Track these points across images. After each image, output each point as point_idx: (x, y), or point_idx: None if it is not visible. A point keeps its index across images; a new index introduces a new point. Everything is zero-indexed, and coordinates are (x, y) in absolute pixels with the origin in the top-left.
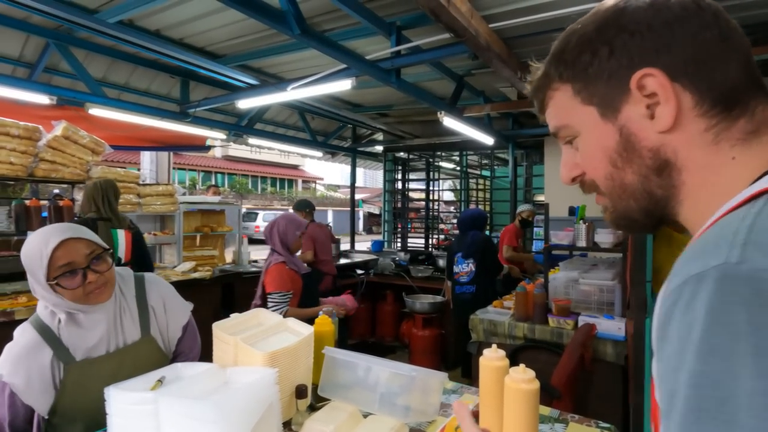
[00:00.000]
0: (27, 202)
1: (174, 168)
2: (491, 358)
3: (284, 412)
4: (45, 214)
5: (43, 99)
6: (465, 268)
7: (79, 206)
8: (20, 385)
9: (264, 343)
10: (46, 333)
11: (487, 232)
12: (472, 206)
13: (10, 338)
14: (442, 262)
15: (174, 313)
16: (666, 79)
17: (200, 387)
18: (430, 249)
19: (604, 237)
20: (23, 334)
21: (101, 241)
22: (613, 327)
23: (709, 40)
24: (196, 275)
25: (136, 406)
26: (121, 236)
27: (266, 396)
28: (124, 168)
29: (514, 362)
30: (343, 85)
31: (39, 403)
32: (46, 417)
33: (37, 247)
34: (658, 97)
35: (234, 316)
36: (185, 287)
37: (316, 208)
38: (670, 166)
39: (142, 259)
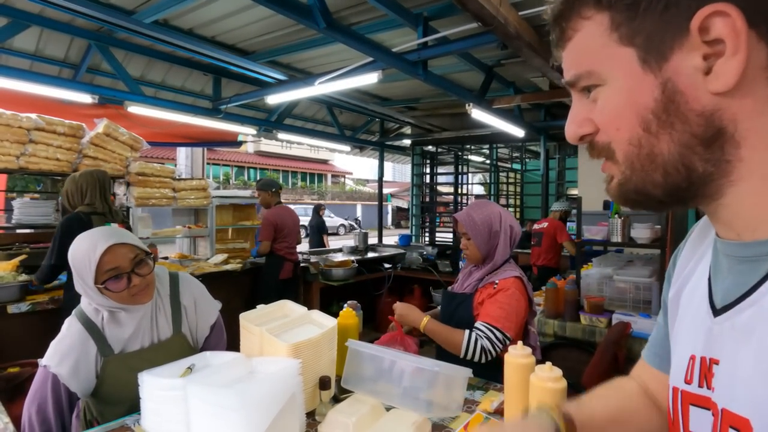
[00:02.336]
0: None
1: (208, 163)
2: (517, 355)
3: (308, 402)
4: None
5: (86, 98)
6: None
7: (63, 196)
8: (66, 375)
9: (289, 335)
10: (91, 328)
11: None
12: (503, 201)
13: (58, 325)
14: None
15: (204, 313)
16: (743, 23)
17: (226, 375)
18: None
19: (641, 232)
20: (70, 328)
21: (143, 245)
22: (649, 326)
23: None
24: (228, 267)
25: (167, 392)
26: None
27: (289, 386)
28: (162, 164)
29: (543, 360)
30: (369, 79)
31: (81, 388)
32: (87, 400)
33: (86, 253)
34: (724, 46)
35: (260, 307)
36: (217, 279)
37: (347, 201)
38: (724, 136)
39: None
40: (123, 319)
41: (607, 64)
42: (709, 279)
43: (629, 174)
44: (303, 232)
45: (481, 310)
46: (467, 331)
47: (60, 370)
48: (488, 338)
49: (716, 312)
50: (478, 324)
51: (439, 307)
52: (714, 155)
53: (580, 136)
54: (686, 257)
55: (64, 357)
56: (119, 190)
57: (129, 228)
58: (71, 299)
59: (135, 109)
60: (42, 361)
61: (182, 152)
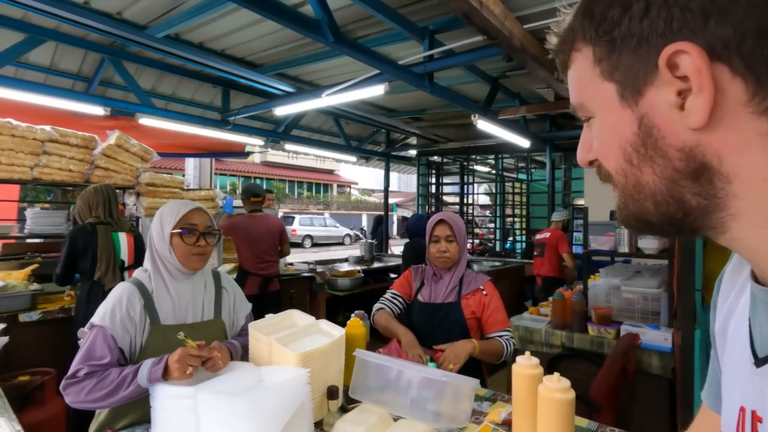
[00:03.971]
0: None
1: (216, 174)
2: (524, 366)
3: (316, 412)
4: None
5: (98, 110)
6: None
7: (76, 212)
8: (114, 326)
9: (297, 344)
10: (141, 287)
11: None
12: (508, 211)
13: (68, 334)
14: (476, 267)
15: (241, 305)
16: (703, 60)
17: (236, 384)
18: None
19: (649, 243)
20: (120, 286)
21: (216, 223)
22: (658, 338)
23: None
24: (235, 276)
25: (177, 400)
26: (123, 239)
27: (298, 395)
28: (170, 174)
29: (551, 371)
30: (376, 91)
31: (127, 347)
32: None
33: (177, 205)
34: (691, 83)
35: (269, 316)
36: None
37: (352, 211)
38: (710, 171)
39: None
40: (172, 290)
41: (593, 97)
42: (750, 320)
43: (625, 201)
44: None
45: (488, 316)
46: (502, 341)
47: (106, 322)
48: (511, 337)
49: (758, 362)
50: (503, 333)
51: (382, 306)
52: (704, 189)
53: (588, 161)
54: (727, 285)
55: (114, 309)
56: (129, 200)
57: (137, 237)
58: (85, 312)
59: (146, 120)
60: (88, 324)
61: (191, 163)
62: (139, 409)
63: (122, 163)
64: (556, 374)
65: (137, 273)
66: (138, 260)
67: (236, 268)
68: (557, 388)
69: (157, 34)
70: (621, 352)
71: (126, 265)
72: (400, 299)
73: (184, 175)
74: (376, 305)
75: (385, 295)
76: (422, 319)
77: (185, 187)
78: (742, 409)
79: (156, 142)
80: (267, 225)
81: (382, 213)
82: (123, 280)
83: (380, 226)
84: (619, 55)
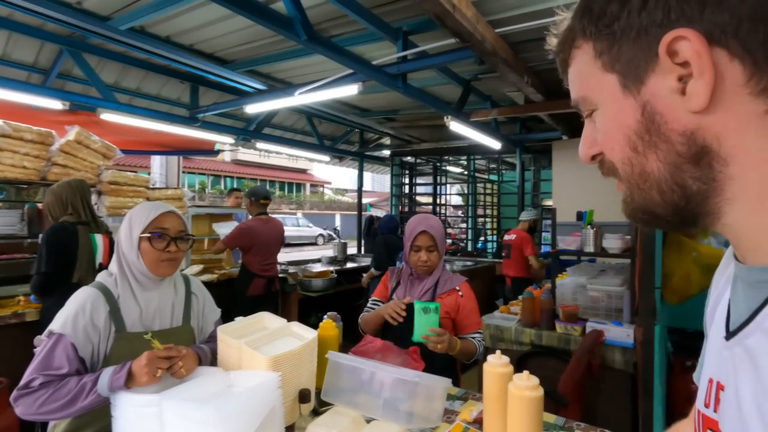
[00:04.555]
0: (39, 205)
1: (183, 172)
2: (495, 365)
3: (287, 416)
4: None
5: (56, 104)
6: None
7: (45, 207)
8: (75, 334)
9: (268, 347)
10: (107, 293)
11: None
12: (480, 211)
13: (23, 341)
14: (449, 267)
15: (210, 311)
16: (702, 45)
17: (203, 390)
18: None
19: (613, 242)
20: (83, 290)
21: (188, 227)
22: (621, 334)
23: None
24: (203, 278)
25: (141, 409)
26: (100, 241)
27: (269, 400)
28: (135, 172)
29: (521, 368)
30: (349, 90)
31: (89, 356)
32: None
33: (148, 207)
34: (691, 68)
35: (238, 319)
36: None
37: (325, 211)
38: (710, 154)
39: None
40: (139, 297)
41: (596, 89)
42: (730, 299)
43: (631, 192)
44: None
45: (463, 318)
46: (475, 342)
47: (68, 330)
48: (482, 339)
49: (728, 335)
50: (476, 334)
51: (365, 313)
52: (704, 173)
53: (591, 156)
54: (719, 274)
55: (76, 316)
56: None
57: (111, 239)
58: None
59: (108, 116)
60: (46, 331)
61: (156, 161)
62: (99, 420)
63: (82, 161)
64: (526, 372)
65: (101, 276)
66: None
67: (204, 269)
68: (526, 386)
69: (121, 26)
70: (586, 349)
71: (102, 267)
72: (380, 303)
73: (149, 174)
74: (361, 315)
75: (367, 304)
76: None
77: (151, 186)
78: (710, 381)
79: (119, 138)
80: (275, 228)
81: (372, 213)
82: None
83: (373, 226)
84: (620, 47)
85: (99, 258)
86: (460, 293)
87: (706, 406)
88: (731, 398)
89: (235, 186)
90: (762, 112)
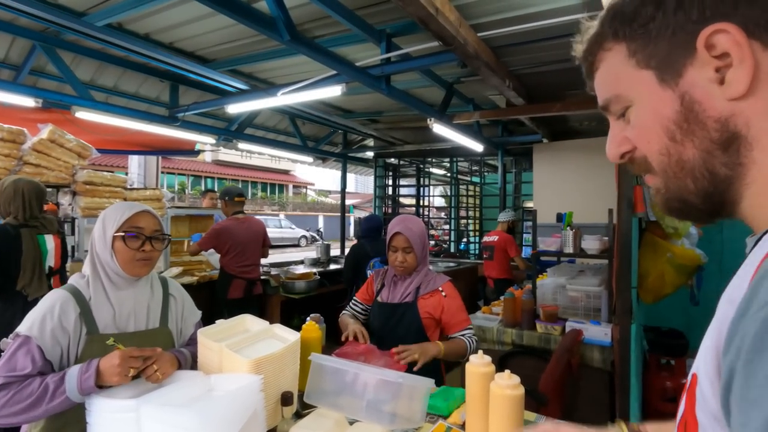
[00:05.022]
0: None
1: (163, 172)
2: (477, 365)
3: (270, 419)
4: None
5: (28, 102)
6: None
7: None
8: (42, 337)
9: (250, 350)
10: (77, 295)
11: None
12: (462, 213)
13: None
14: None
15: (190, 313)
16: (743, 36)
17: (183, 394)
18: None
19: (591, 243)
20: (53, 293)
21: (167, 228)
22: (599, 333)
23: None
24: (183, 280)
25: (117, 414)
26: (50, 242)
27: (250, 403)
28: (112, 172)
29: (502, 368)
30: (333, 91)
31: (57, 359)
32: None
33: (122, 207)
34: (731, 59)
35: (219, 322)
36: None
37: (308, 213)
38: (739, 139)
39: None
40: (112, 297)
41: (631, 86)
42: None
43: (666, 183)
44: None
45: (449, 317)
46: (465, 339)
47: (34, 332)
48: (474, 334)
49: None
50: (465, 331)
51: (345, 313)
52: (731, 159)
53: (621, 154)
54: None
55: (44, 319)
56: (64, 200)
57: (63, 240)
58: (2, 327)
59: (83, 114)
60: (12, 334)
61: (134, 160)
62: (74, 425)
63: (56, 160)
64: (507, 372)
65: (73, 279)
66: (63, 264)
67: (184, 272)
68: (508, 384)
69: (97, 22)
70: (566, 348)
71: (53, 270)
72: (360, 305)
73: (127, 174)
74: (342, 314)
75: (350, 304)
76: (380, 319)
77: (128, 186)
78: (693, 375)
79: (95, 137)
80: (252, 228)
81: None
82: (50, 287)
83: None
84: (656, 45)
85: (49, 261)
86: (443, 293)
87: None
88: (703, 341)
89: (215, 187)
90: None
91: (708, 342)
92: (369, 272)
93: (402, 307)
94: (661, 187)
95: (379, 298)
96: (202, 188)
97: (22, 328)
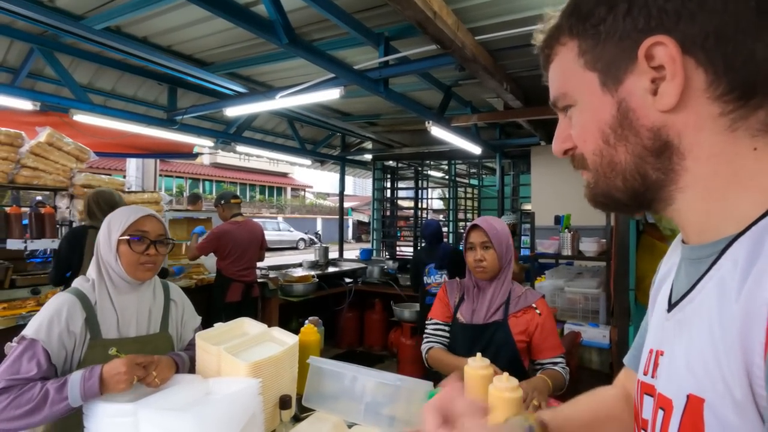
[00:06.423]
0: (7, 209)
1: (161, 175)
2: (476, 367)
3: (268, 423)
4: (26, 221)
5: (26, 105)
6: (438, 278)
7: (84, 210)
8: (49, 339)
9: (248, 353)
10: (83, 299)
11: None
12: (461, 215)
13: None
14: None
15: (190, 318)
16: (677, 51)
17: (181, 398)
18: None
19: (589, 246)
20: (59, 296)
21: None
22: (598, 335)
23: (740, 12)
24: (181, 283)
25: (116, 419)
26: None
27: (248, 407)
28: (109, 175)
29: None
30: (331, 95)
31: (61, 363)
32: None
33: (128, 211)
34: (665, 71)
35: (218, 325)
36: None
37: (307, 215)
38: (671, 148)
39: None
40: (116, 302)
41: (576, 86)
42: (674, 277)
43: (596, 180)
44: None
45: (542, 340)
46: (561, 372)
47: (41, 335)
48: (566, 364)
49: (669, 308)
50: (559, 359)
51: (431, 344)
52: (663, 165)
53: (563, 150)
54: (665, 261)
55: (51, 322)
56: (61, 203)
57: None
58: None
59: (81, 117)
60: (17, 337)
61: (132, 163)
62: (73, 429)
63: (53, 163)
64: (505, 374)
65: (78, 282)
66: None
67: (182, 275)
68: (506, 387)
69: (95, 25)
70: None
71: None
72: (444, 327)
73: (125, 177)
74: (424, 344)
75: (427, 329)
76: (464, 343)
77: (126, 189)
78: (651, 351)
79: (93, 140)
80: (251, 231)
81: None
82: None
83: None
84: (603, 48)
85: None
86: (537, 311)
87: (645, 373)
88: (667, 360)
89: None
90: (717, 114)
91: (716, 361)
92: (425, 278)
93: (491, 328)
94: (591, 183)
95: (460, 317)
96: (201, 191)
97: (28, 331)
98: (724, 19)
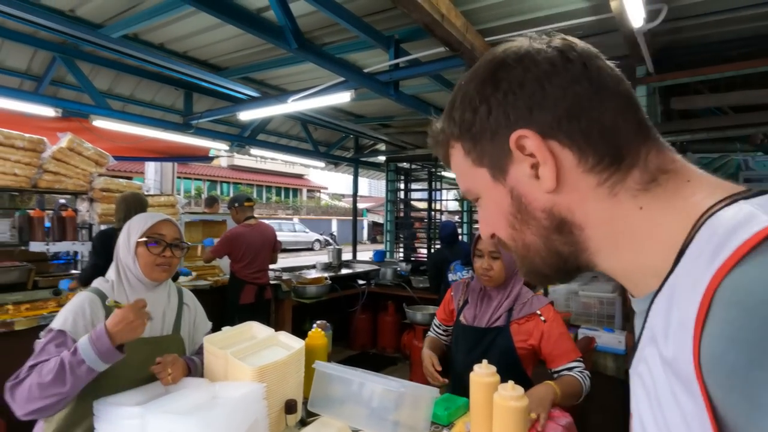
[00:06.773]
0: (30, 212)
1: (179, 177)
2: (481, 374)
3: (273, 427)
4: (48, 224)
5: (48, 111)
6: (465, 275)
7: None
8: (76, 330)
9: (255, 357)
10: (104, 298)
11: None
12: (476, 216)
13: (10, 351)
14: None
15: (201, 322)
16: (539, 139)
17: (187, 402)
18: None
19: None
20: (80, 295)
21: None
22: (613, 340)
23: (580, 94)
24: (197, 284)
25: (124, 421)
26: None
27: (253, 411)
28: (130, 178)
29: None
30: (342, 98)
31: None
32: None
33: (147, 216)
34: (537, 158)
35: (225, 329)
36: None
37: (322, 216)
38: (568, 223)
39: None
40: (132, 300)
41: (474, 182)
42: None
43: (521, 261)
44: None
45: (552, 347)
46: (577, 377)
47: (68, 327)
48: (584, 368)
49: (632, 358)
50: (574, 364)
51: (427, 340)
52: (568, 239)
53: (490, 234)
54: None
55: (76, 315)
56: (81, 206)
57: None
58: None
59: (101, 123)
60: (44, 330)
61: (151, 167)
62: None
63: (74, 168)
64: (510, 382)
65: (98, 282)
66: None
67: (197, 276)
68: (511, 396)
69: (113, 33)
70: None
71: None
72: (441, 326)
73: (144, 180)
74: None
75: (433, 324)
76: (464, 346)
77: (144, 193)
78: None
79: (112, 145)
80: (264, 234)
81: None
82: None
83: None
84: (482, 146)
85: None
86: (542, 318)
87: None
88: (637, 425)
89: (230, 192)
90: (595, 185)
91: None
92: (450, 275)
93: (491, 332)
94: (518, 263)
95: (462, 319)
96: (219, 193)
97: (55, 324)
98: (568, 102)
